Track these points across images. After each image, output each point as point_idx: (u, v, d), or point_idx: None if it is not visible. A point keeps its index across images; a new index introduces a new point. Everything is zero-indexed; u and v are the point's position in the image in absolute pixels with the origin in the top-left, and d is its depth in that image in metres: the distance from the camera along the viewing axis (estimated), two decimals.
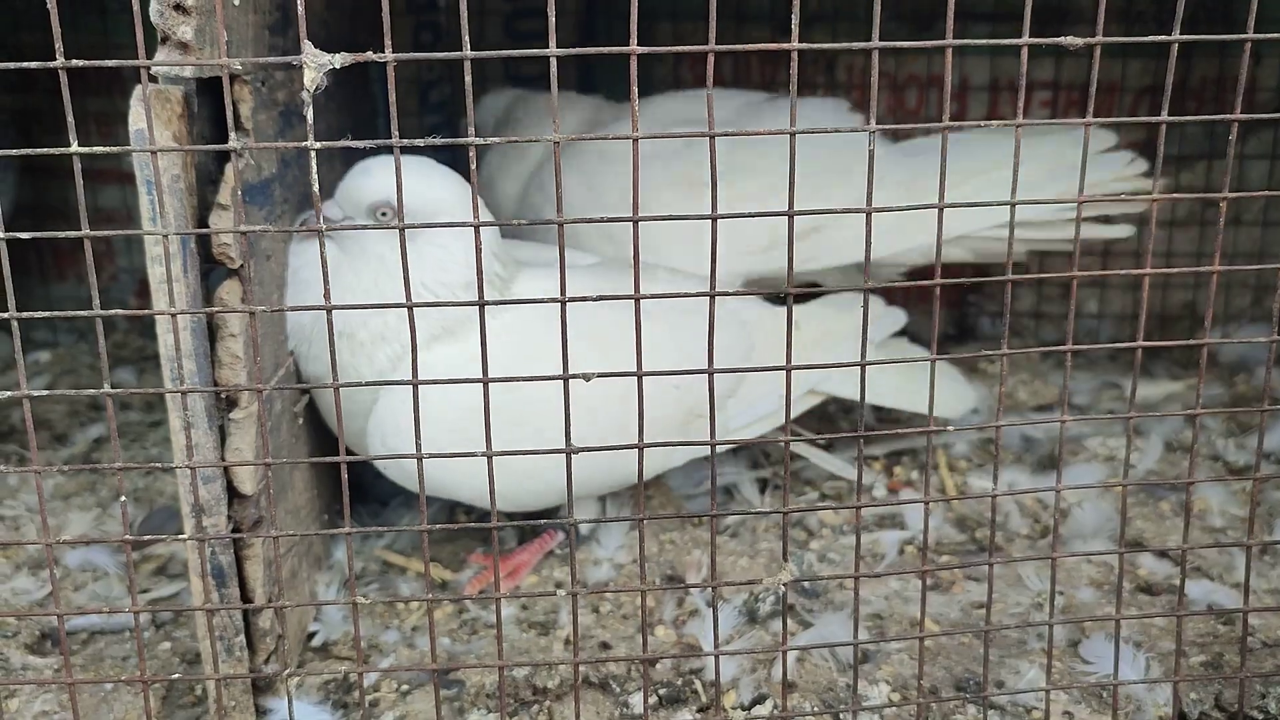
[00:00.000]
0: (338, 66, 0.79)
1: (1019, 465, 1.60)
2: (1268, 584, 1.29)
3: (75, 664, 1.18)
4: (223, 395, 1.03)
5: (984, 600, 1.25)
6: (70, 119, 0.80)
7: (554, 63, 0.79)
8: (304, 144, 0.79)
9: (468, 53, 0.79)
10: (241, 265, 1.01)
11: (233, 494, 1.04)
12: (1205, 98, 1.99)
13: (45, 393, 0.85)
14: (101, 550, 1.37)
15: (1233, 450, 1.61)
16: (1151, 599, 1.28)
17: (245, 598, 1.06)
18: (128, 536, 0.88)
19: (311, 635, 1.24)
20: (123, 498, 0.87)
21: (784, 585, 0.91)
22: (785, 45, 0.80)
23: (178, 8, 0.92)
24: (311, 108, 0.79)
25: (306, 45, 0.78)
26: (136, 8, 0.80)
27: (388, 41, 0.78)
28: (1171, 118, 0.86)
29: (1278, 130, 1.96)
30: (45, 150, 0.81)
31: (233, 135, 0.82)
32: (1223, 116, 0.87)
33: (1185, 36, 0.84)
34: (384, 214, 1.21)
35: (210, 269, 1.04)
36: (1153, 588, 1.29)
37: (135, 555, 1.39)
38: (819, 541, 1.42)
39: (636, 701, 1.10)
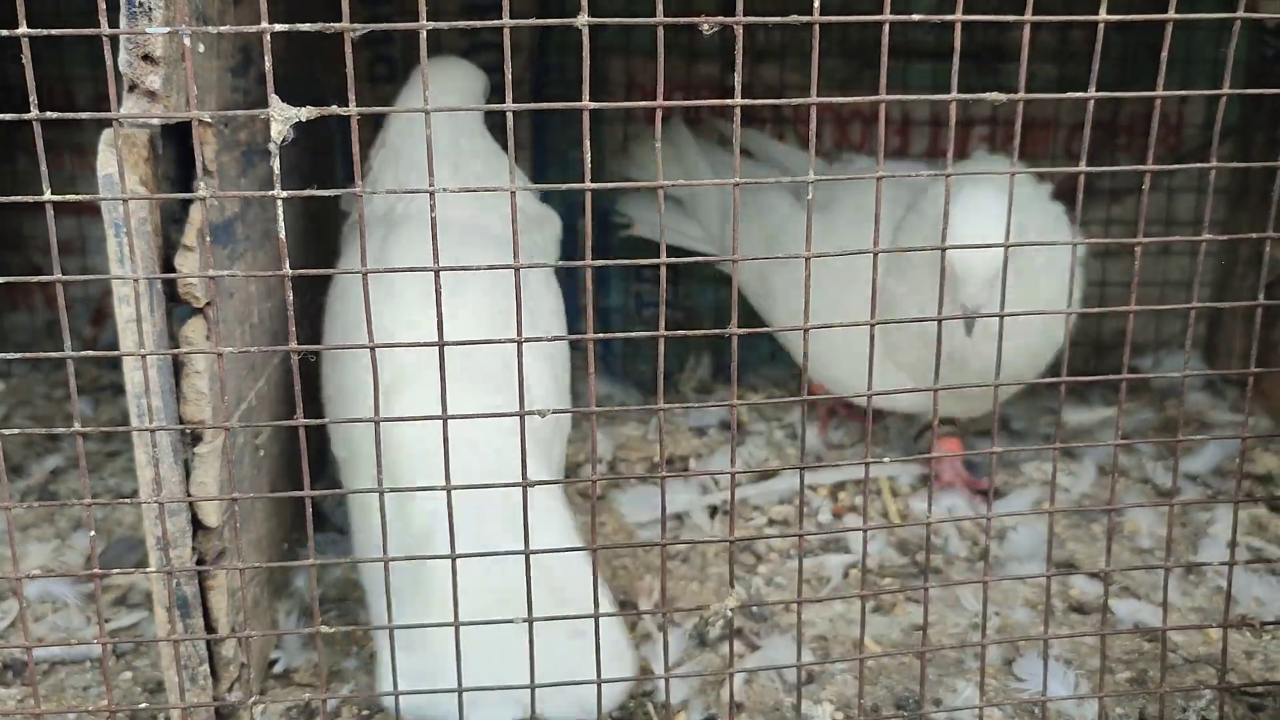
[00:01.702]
0: (303, 120, 0.83)
1: (961, 489, 1.66)
2: (1192, 602, 1.36)
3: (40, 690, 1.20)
4: (187, 430, 1.06)
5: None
6: (44, 169, 0.83)
7: (510, 117, 0.83)
8: (271, 193, 0.83)
9: (427, 106, 0.83)
10: (207, 304, 1.05)
11: (197, 525, 1.07)
12: (1136, 132, 2.08)
13: (16, 431, 0.88)
14: (61, 581, 1.39)
15: (1162, 473, 1.69)
16: (1083, 618, 1.34)
17: (209, 627, 1.09)
18: (96, 570, 0.91)
19: (273, 663, 1.27)
20: (91, 533, 0.90)
21: (730, 611, 0.96)
22: (729, 101, 0.85)
23: (146, 58, 0.95)
24: (278, 158, 0.83)
25: (274, 100, 0.82)
26: (110, 61, 0.84)
27: (351, 97, 0.82)
28: (1089, 168, 0.93)
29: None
30: (19, 199, 0.84)
31: (201, 184, 0.85)
32: (1136, 167, 0.94)
33: (1100, 94, 0.90)
34: None
35: (175, 305, 1.07)
36: (1084, 607, 1.35)
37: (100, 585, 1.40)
38: (767, 565, 1.47)
39: None
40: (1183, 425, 1.84)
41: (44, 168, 0.83)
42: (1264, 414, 1.88)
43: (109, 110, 0.86)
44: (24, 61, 0.81)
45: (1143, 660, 1.23)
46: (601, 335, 0.89)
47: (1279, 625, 1.03)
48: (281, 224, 0.84)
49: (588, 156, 0.85)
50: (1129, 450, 1.76)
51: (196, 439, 1.07)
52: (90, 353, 0.87)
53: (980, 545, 1.50)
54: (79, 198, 0.85)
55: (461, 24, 0.81)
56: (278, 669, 1.26)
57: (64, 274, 0.86)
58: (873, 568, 1.46)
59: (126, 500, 0.92)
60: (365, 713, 1.18)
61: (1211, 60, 1.98)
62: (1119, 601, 1.35)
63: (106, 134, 0.96)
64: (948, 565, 1.47)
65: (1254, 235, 0.98)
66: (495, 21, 0.81)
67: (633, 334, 0.90)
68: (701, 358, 2.11)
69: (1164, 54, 0.92)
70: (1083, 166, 0.93)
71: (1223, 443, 1.72)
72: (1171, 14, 0.90)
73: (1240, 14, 0.93)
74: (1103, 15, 0.89)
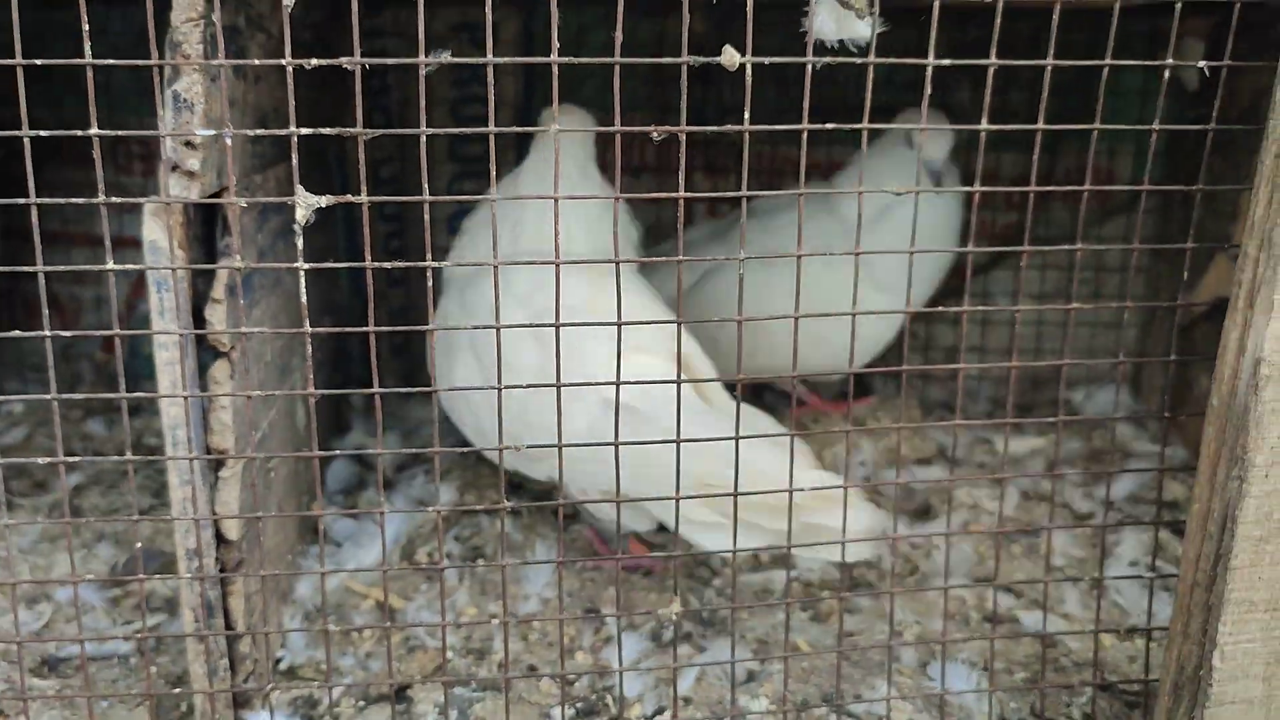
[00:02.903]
0: (324, 205, 1.01)
1: (897, 512, 1.84)
2: (1094, 613, 1.54)
3: (73, 685, 1.37)
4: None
5: (855, 629, 1.49)
6: (108, 242, 1.01)
7: (494, 188, 1.01)
8: (294, 265, 1.01)
9: (426, 197, 1.01)
10: (231, 348, 1.22)
11: (219, 539, 1.24)
12: (1072, 184, 2.27)
13: (81, 459, 1.05)
14: (87, 587, 1.56)
15: (1079, 499, 1.87)
16: (993, 627, 1.52)
17: (228, 626, 1.26)
18: (141, 575, 1.08)
19: (278, 660, 1.44)
20: (138, 544, 1.08)
21: (675, 615, 1.14)
22: (673, 194, 1.03)
23: (188, 144, 1.13)
24: (302, 236, 1.01)
25: (299, 189, 0.99)
26: (165, 154, 1.01)
27: (364, 188, 1.00)
28: (976, 248, 1.12)
29: (1130, 217, 2.25)
30: (84, 267, 1.02)
31: (237, 256, 1.03)
32: (1018, 248, 1.12)
33: (985, 188, 1.10)
34: None
35: (202, 350, 1.25)
36: (996, 617, 1.53)
37: (119, 591, 1.58)
38: (720, 579, 1.64)
39: (557, 714, 1.31)
40: (1102, 456, 2.03)
41: (108, 241, 1.00)
42: (1181, 445, 2.07)
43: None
44: (94, 158, 0.98)
45: (1037, 663, 1.41)
46: (566, 383, 1.06)
47: (1141, 631, 1.21)
48: (303, 291, 1.02)
49: (558, 242, 1.03)
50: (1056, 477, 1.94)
51: (219, 464, 1.25)
52: (141, 394, 1.04)
53: (910, 563, 1.68)
54: (134, 268, 1.03)
55: (454, 130, 1.00)
56: (283, 666, 1.43)
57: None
58: (814, 581, 1.64)
59: (167, 518, 1.09)
60: (361, 704, 1.35)
61: (1136, 120, 2.17)
62: (1027, 613, 1.53)
63: (148, 206, 1.13)
64: (880, 580, 1.64)
65: (1113, 304, 1.17)
66: (480, 129, 0.99)
67: (593, 383, 1.08)
68: None
69: (1035, 157, 1.11)
70: (971, 246, 1.12)
71: (1139, 472, 1.90)
72: (1040, 125, 1.09)
73: (1096, 125, 1.12)
74: (984, 125, 1.08)
